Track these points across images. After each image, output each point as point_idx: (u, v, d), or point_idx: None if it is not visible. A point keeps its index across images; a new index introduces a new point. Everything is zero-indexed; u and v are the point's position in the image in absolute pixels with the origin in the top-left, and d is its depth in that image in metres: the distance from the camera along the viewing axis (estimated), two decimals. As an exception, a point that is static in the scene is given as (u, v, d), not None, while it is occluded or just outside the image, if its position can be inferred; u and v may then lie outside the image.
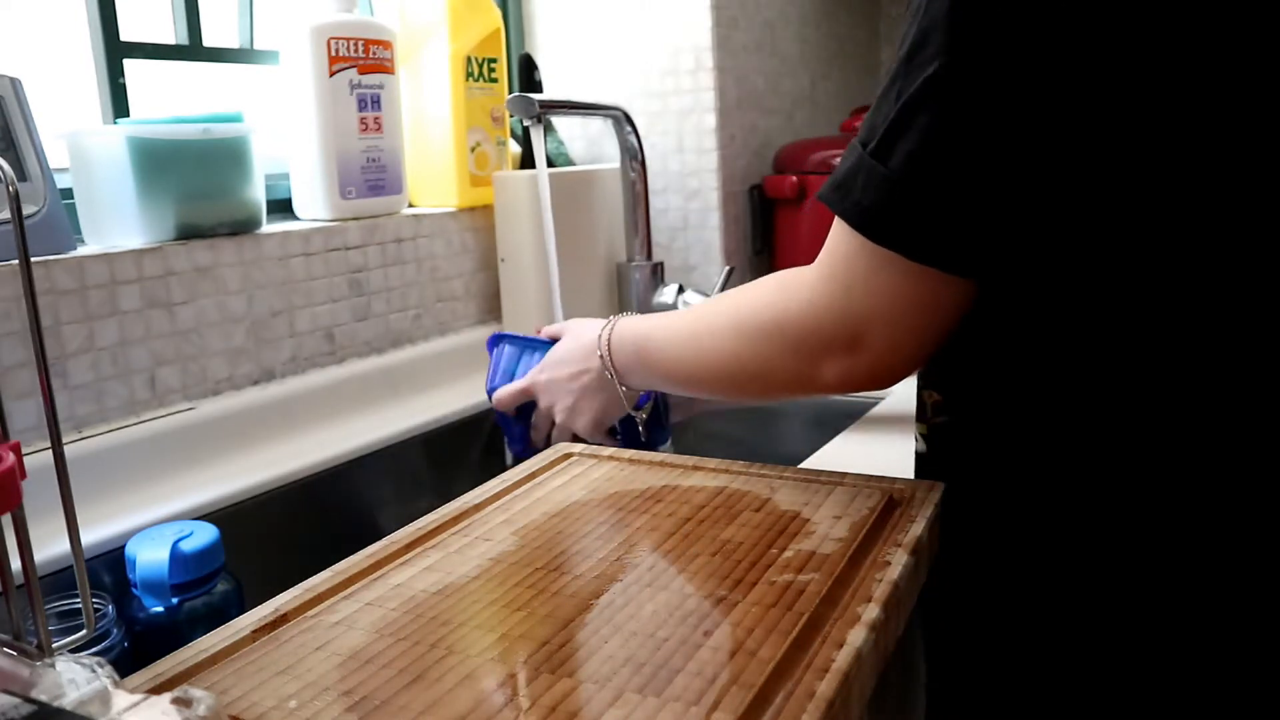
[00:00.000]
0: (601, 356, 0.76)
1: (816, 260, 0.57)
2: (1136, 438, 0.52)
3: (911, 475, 0.68)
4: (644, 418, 0.82)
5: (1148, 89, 0.47)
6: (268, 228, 0.96)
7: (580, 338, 0.79)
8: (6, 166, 0.45)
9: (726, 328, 0.64)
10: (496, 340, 0.91)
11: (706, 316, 0.67)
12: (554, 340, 0.84)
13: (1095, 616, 0.54)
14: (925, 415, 0.64)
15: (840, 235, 0.54)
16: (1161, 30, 0.46)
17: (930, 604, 0.64)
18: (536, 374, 0.83)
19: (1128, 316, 0.51)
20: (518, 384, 0.85)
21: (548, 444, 0.84)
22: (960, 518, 0.61)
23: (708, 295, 1.19)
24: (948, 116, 0.48)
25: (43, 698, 0.36)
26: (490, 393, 0.88)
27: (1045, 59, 0.47)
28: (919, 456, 0.66)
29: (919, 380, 0.64)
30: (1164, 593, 0.52)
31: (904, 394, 0.99)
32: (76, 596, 0.59)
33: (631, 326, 0.75)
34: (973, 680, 0.62)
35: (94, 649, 0.59)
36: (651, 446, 0.83)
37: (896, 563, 0.55)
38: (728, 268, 1.20)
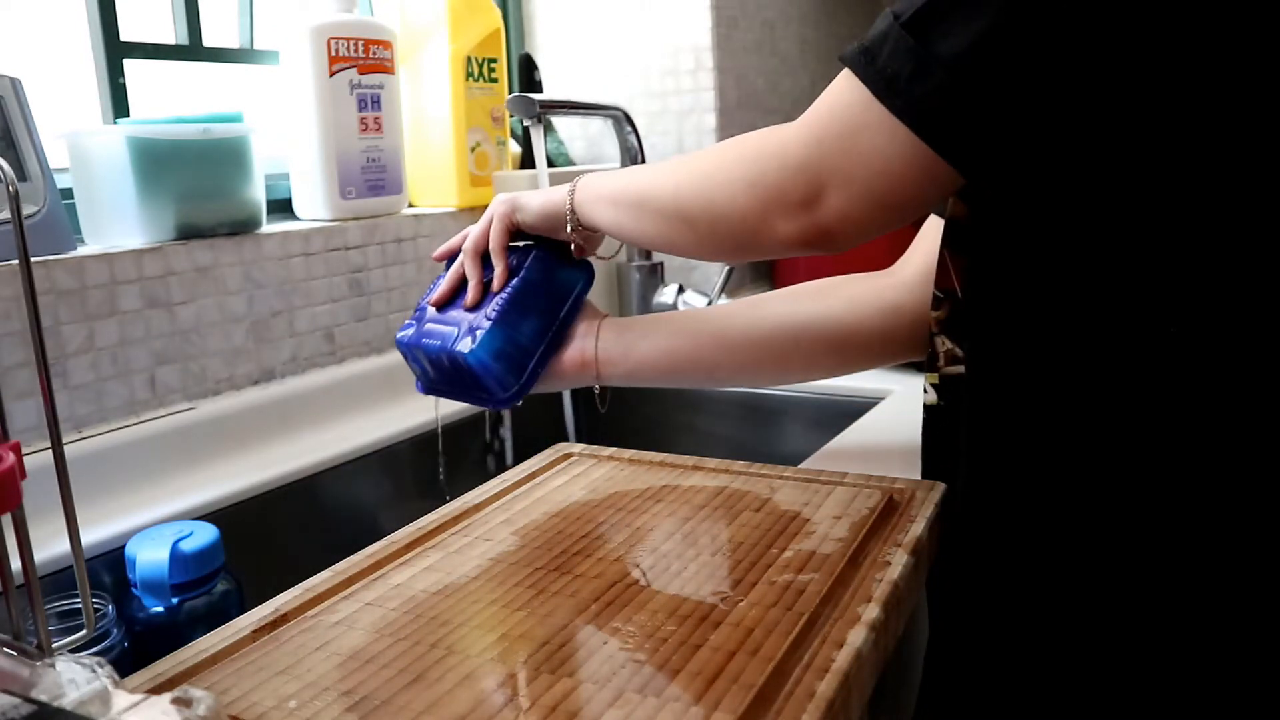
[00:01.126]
0: (569, 190, 0.73)
1: (809, 109, 0.57)
2: (1152, 414, 0.52)
3: (911, 475, 0.68)
4: (574, 239, 0.75)
5: (1209, 34, 0.47)
6: (268, 228, 0.96)
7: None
8: (6, 166, 0.45)
9: (712, 150, 0.63)
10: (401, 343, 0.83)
11: (698, 152, 0.66)
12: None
13: (1100, 602, 0.54)
14: (937, 364, 0.64)
15: (842, 87, 0.55)
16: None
17: (935, 595, 0.64)
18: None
19: (1149, 288, 0.51)
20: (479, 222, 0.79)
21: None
22: (970, 472, 0.61)
23: (708, 295, 1.19)
24: (1009, 7, 0.48)
25: (43, 698, 0.36)
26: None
27: None
28: (929, 409, 0.65)
29: (934, 328, 0.64)
30: (1166, 584, 0.52)
31: (904, 393, 0.99)
32: (76, 596, 0.59)
33: (608, 173, 0.73)
34: (974, 674, 0.62)
35: (94, 649, 0.59)
36: (563, 285, 0.77)
37: (896, 563, 0.55)
38: (727, 268, 1.20)
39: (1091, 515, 0.54)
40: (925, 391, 0.65)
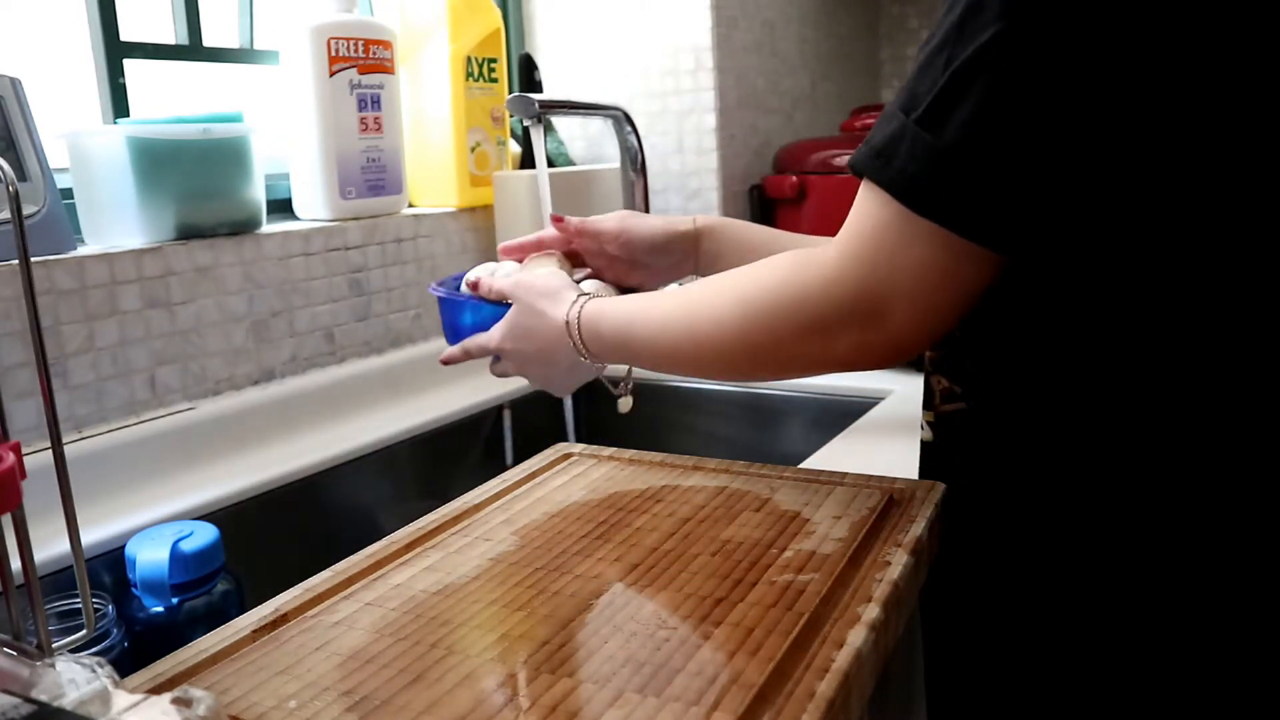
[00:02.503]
0: (575, 346, 0.70)
1: (838, 235, 0.55)
2: (1155, 438, 0.51)
3: (911, 475, 0.68)
4: (624, 392, 0.79)
5: (1204, 68, 0.46)
6: (268, 228, 0.96)
7: (544, 316, 0.72)
8: (6, 166, 0.45)
9: (730, 309, 0.60)
10: (440, 299, 0.81)
11: (704, 299, 0.62)
12: (503, 304, 0.76)
13: (1099, 615, 0.54)
14: (933, 403, 0.63)
15: (870, 206, 0.52)
16: (1220, 8, 0.46)
17: (931, 601, 0.64)
18: (501, 339, 0.74)
19: (1155, 316, 0.51)
20: (479, 343, 0.76)
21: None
22: (967, 508, 0.61)
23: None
24: (1005, 84, 0.46)
25: (43, 698, 0.36)
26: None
27: (1105, 29, 0.45)
28: (925, 445, 0.65)
29: (928, 366, 0.63)
30: (1169, 594, 0.52)
31: (904, 393, 0.99)
32: (76, 596, 0.59)
33: (609, 315, 0.68)
34: (973, 678, 0.62)
35: (94, 649, 0.59)
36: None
37: (896, 563, 0.55)
38: None
39: (1099, 537, 0.54)
40: (921, 429, 0.65)
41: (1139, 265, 0.50)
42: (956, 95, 0.48)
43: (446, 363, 0.78)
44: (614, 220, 0.82)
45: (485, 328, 0.75)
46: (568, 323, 0.70)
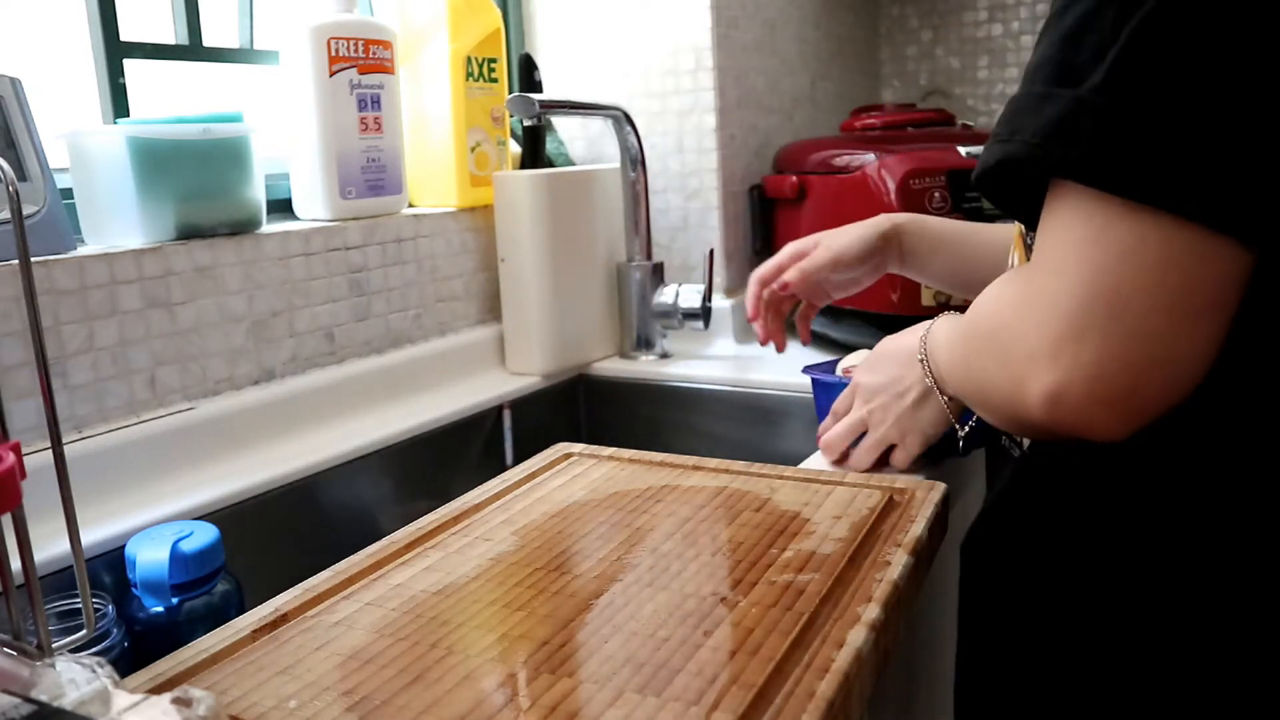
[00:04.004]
0: (923, 365, 0.68)
1: (1044, 257, 0.46)
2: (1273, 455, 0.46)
3: (910, 476, 0.68)
4: (964, 433, 0.73)
5: None
6: (268, 228, 0.96)
7: (898, 341, 0.72)
8: (6, 166, 0.45)
9: (961, 328, 0.56)
10: (814, 380, 0.86)
11: (966, 317, 0.57)
12: None
13: (1182, 630, 0.49)
14: None
15: (1061, 208, 0.43)
16: None
17: (1008, 617, 0.58)
18: (859, 372, 0.76)
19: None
20: (844, 398, 0.77)
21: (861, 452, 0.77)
22: (1063, 519, 0.55)
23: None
24: (1205, 34, 0.39)
25: (43, 698, 0.36)
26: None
27: None
28: (1015, 457, 0.61)
29: None
30: (1247, 621, 0.47)
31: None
32: (76, 596, 0.59)
33: (940, 329, 0.66)
34: (1014, 681, 0.58)
35: (94, 649, 0.59)
36: (964, 454, 0.77)
37: (896, 563, 0.55)
38: (709, 249, 1.22)
39: (1210, 552, 0.48)
40: (1010, 442, 0.61)
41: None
42: (1150, 54, 0.40)
43: (827, 446, 0.77)
44: (823, 252, 0.88)
45: None
46: (921, 338, 0.68)
